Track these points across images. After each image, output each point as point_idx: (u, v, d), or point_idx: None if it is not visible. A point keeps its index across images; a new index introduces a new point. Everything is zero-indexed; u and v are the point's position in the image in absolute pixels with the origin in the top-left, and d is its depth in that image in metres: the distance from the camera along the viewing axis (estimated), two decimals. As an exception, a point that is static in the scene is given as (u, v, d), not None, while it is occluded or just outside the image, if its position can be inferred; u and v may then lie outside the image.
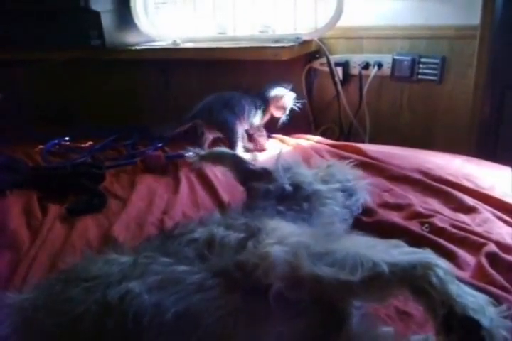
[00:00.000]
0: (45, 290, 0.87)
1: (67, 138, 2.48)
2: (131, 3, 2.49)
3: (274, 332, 0.82)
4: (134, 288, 0.80)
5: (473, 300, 0.79)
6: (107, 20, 2.47)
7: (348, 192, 1.44)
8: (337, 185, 1.41)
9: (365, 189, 1.52)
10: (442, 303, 0.78)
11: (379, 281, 0.81)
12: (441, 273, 0.81)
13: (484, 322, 0.76)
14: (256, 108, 2.19)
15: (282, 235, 0.90)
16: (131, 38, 2.60)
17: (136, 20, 2.53)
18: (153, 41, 2.64)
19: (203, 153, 1.58)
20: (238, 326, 0.80)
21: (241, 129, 2.13)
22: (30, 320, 0.83)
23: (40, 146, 2.36)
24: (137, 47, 2.57)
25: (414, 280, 0.81)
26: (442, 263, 0.84)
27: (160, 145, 2.32)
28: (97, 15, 2.43)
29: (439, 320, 0.78)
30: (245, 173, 1.46)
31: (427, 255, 0.86)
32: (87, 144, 2.42)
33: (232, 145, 2.05)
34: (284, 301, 0.82)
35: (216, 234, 0.96)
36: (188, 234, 0.99)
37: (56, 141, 2.43)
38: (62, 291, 0.84)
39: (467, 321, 0.76)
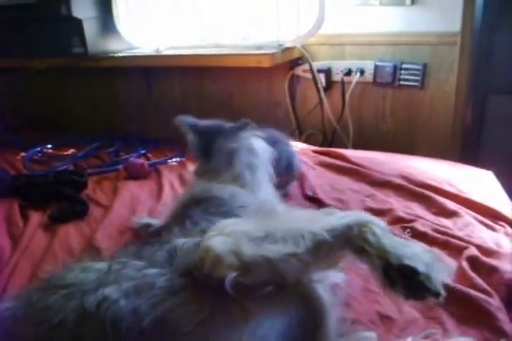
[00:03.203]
0: (24, 300, 0.87)
1: (49, 146, 2.47)
2: (114, 11, 2.49)
3: (254, 332, 0.82)
4: (110, 294, 0.81)
5: (407, 250, 0.82)
6: (89, 28, 2.46)
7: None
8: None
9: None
10: (380, 257, 0.81)
11: (323, 248, 0.84)
12: (376, 229, 0.84)
13: (420, 267, 0.79)
14: None
15: (222, 226, 0.91)
16: (113, 46, 2.59)
17: (118, 28, 2.53)
18: (136, 48, 2.63)
19: None
20: (218, 330, 0.80)
21: None
22: (10, 329, 0.82)
23: (22, 154, 2.34)
24: (120, 55, 2.57)
25: (352, 240, 0.84)
26: (376, 220, 0.88)
27: (143, 152, 2.31)
28: (79, 22, 2.42)
29: (380, 274, 0.81)
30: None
31: (360, 215, 0.89)
32: (69, 152, 2.41)
33: None
34: (247, 291, 0.82)
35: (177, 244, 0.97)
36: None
37: (38, 149, 2.41)
38: (41, 300, 0.84)
39: (404, 269, 0.79)
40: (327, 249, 0.84)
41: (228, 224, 0.93)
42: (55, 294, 0.84)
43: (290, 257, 0.82)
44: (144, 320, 0.78)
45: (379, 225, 0.86)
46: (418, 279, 0.79)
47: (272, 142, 1.63)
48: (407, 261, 0.80)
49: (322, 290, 0.94)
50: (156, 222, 1.48)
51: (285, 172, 1.65)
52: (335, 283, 1.05)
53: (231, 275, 0.80)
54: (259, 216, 1.09)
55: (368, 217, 0.88)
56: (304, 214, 0.97)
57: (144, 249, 0.98)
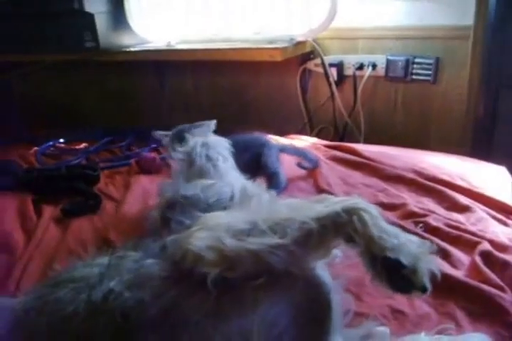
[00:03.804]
0: (35, 293, 0.89)
1: (61, 140, 2.48)
2: (126, 5, 2.49)
3: (263, 319, 0.81)
4: (114, 287, 0.82)
5: (394, 241, 0.79)
6: (101, 22, 2.46)
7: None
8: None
9: None
10: (366, 247, 0.79)
11: (311, 237, 0.81)
12: (365, 216, 0.81)
13: (404, 260, 0.77)
14: None
15: (206, 219, 0.90)
16: (125, 40, 2.59)
17: (130, 22, 2.53)
18: (148, 43, 2.63)
19: None
20: (227, 318, 0.80)
21: None
22: (22, 321, 0.84)
23: (35, 148, 2.35)
24: (132, 49, 2.57)
25: (341, 228, 0.81)
26: (368, 206, 0.84)
27: (154, 146, 2.32)
28: (91, 17, 2.42)
29: (366, 265, 0.80)
30: None
31: (352, 201, 0.85)
32: (81, 146, 2.41)
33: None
34: (240, 282, 0.81)
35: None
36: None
37: (51, 143, 2.42)
38: (51, 293, 0.86)
39: (388, 262, 0.77)
40: (316, 238, 0.81)
41: (212, 217, 0.92)
42: (65, 287, 0.85)
43: (276, 249, 0.80)
44: (150, 310, 0.78)
45: (370, 212, 0.82)
46: (402, 273, 0.77)
47: (245, 146, 1.66)
48: (390, 254, 0.77)
49: (323, 273, 0.93)
50: None
51: (256, 173, 1.62)
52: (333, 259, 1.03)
53: (213, 273, 0.79)
54: (244, 206, 1.07)
55: (359, 203, 0.84)
56: (292, 203, 0.93)
57: (141, 242, 0.99)
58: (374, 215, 0.82)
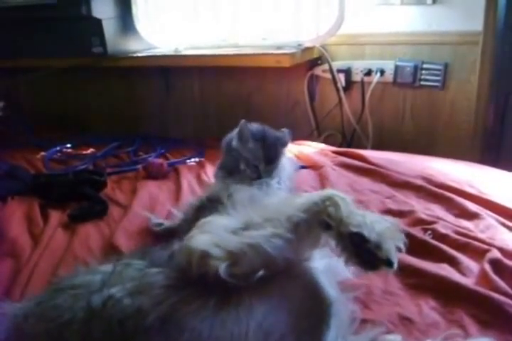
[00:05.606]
0: (35, 300, 0.90)
1: (68, 145, 2.48)
2: (133, 11, 2.50)
3: (260, 326, 0.82)
4: (114, 293, 0.83)
5: (359, 218, 0.85)
6: (108, 28, 2.48)
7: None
8: None
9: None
10: (336, 228, 0.85)
11: (300, 226, 0.87)
12: (338, 200, 0.88)
13: (367, 234, 0.82)
14: None
15: (201, 224, 0.94)
16: (133, 45, 2.60)
17: (138, 28, 2.54)
18: (155, 48, 2.64)
19: None
20: (223, 324, 0.81)
21: None
22: (20, 326, 0.85)
23: (42, 153, 2.36)
24: (139, 55, 2.58)
25: (318, 215, 0.87)
26: (340, 193, 0.91)
27: (162, 151, 2.32)
28: (98, 22, 2.43)
29: (338, 243, 0.85)
30: None
31: (325, 191, 0.93)
32: (88, 151, 2.42)
33: None
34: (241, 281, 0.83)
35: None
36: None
37: (58, 148, 2.43)
38: (51, 299, 0.87)
39: (354, 237, 0.82)
40: (304, 227, 0.87)
41: (207, 221, 0.95)
42: (64, 294, 0.87)
43: (272, 238, 0.85)
44: (148, 317, 0.79)
45: (343, 198, 0.89)
46: (367, 246, 0.81)
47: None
48: (355, 229, 0.82)
49: (327, 282, 0.95)
50: (169, 222, 1.50)
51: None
52: (344, 278, 1.05)
53: (223, 266, 0.81)
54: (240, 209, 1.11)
55: (332, 191, 0.91)
56: (277, 200, 1.02)
57: (149, 250, 1.02)
58: (346, 201, 0.89)
